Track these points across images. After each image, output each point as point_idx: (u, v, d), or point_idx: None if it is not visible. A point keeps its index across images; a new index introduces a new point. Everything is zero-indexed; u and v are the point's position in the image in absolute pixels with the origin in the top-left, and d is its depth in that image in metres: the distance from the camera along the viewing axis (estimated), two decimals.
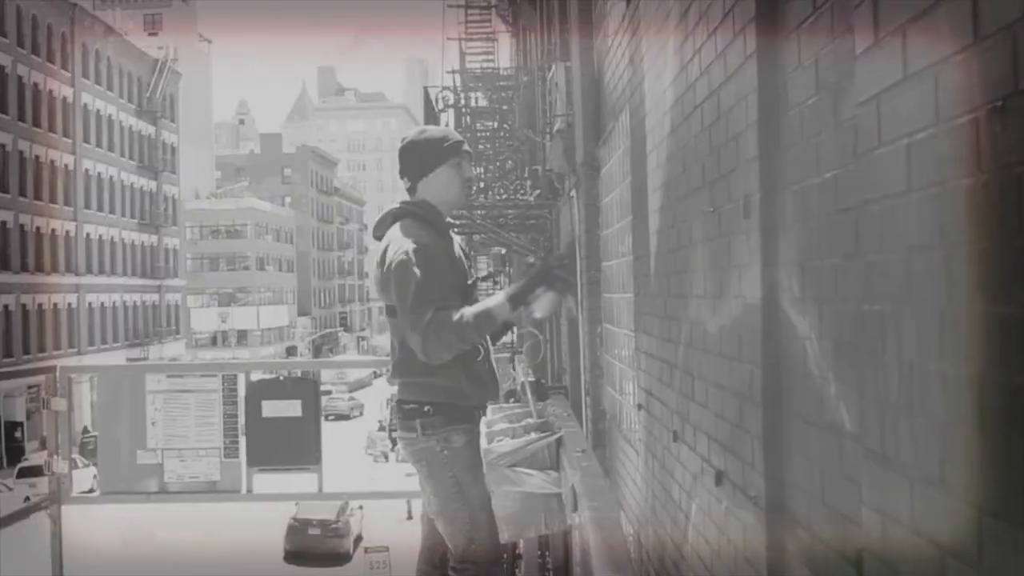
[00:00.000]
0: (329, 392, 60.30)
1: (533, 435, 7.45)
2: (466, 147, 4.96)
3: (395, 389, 4.94)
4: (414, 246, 4.57)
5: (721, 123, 3.62)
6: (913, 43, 1.96)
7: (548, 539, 9.34)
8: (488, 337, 4.83)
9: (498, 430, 7.86)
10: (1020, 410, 1.62)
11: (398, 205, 4.89)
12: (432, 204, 4.81)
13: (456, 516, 4.81)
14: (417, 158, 4.83)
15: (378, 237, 4.86)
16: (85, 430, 34.32)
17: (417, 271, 4.50)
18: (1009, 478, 1.64)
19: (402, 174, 4.89)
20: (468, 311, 4.52)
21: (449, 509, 4.82)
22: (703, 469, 4.01)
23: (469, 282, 4.89)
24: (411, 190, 4.87)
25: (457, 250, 4.91)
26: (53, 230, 54.18)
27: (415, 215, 4.77)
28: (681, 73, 4.35)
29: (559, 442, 7.19)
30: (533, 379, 9.71)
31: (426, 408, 4.74)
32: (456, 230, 19.69)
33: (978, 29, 1.72)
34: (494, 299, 4.67)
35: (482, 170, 23.51)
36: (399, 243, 4.63)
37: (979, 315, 1.74)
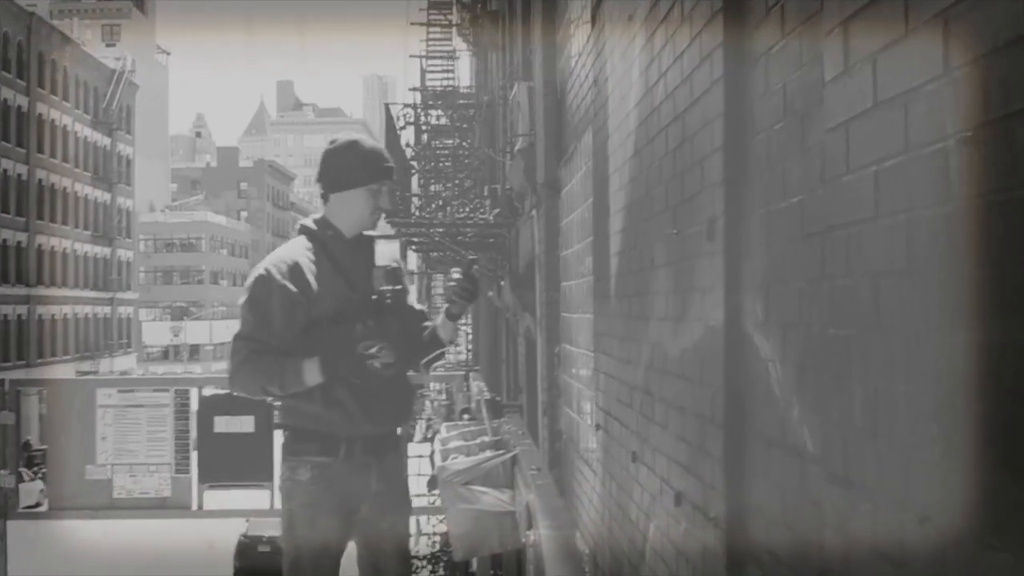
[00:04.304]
0: None
1: (488, 453, 7.45)
2: (391, 175, 4.68)
3: None
4: (259, 274, 4.44)
5: (686, 147, 3.64)
6: (883, 71, 1.98)
7: (502, 558, 9.31)
8: (404, 357, 4.48)
9: (453, 447, 7.84)
10: (985, 434, 1.63)
11: (308, 221, 4.68)
12: (332, 223, 4.56)
13: (285, 551, 4.52)
14: (338, 171, 4.57)
15: None
16: (27, 444, 33.84)
17: (247, 307, 4.42)
18: (973, 502, 1.66)
19: (318, 179, 4.65)
20: (287, 362, 4.30)
21: (283, 542, 4.55)
22: (662, 490, 4.02)
23: (373, 296, 4.50)
24: (324, 198, 4.65)
25: (359, 266, 4.55)
26: (4, 240, 53.53)
27: (311, 233, 4.58)
28: (646, 96, 4.38)
29: (514, 460, 7.18)
30: (489, 396, 9.70)
31: (286, 432, 4.54)
32: (414, 247, 19.67)
33: (948, 59, 1.74)
34: (312, 362, 4.30)
35: (441, 187, 23.52)
36: (258, 265, 4.52)
37: (945, 341, 1.76)
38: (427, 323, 4.75)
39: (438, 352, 4.83)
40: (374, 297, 4.51)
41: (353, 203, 4.55)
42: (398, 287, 4.58)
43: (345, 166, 4.56)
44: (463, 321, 32.33)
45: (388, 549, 4.60)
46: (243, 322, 4.44)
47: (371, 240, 4.66)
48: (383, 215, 4.76)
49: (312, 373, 4.31)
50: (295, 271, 4.42)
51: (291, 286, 4.38)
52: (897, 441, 1.92)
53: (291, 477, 4.44)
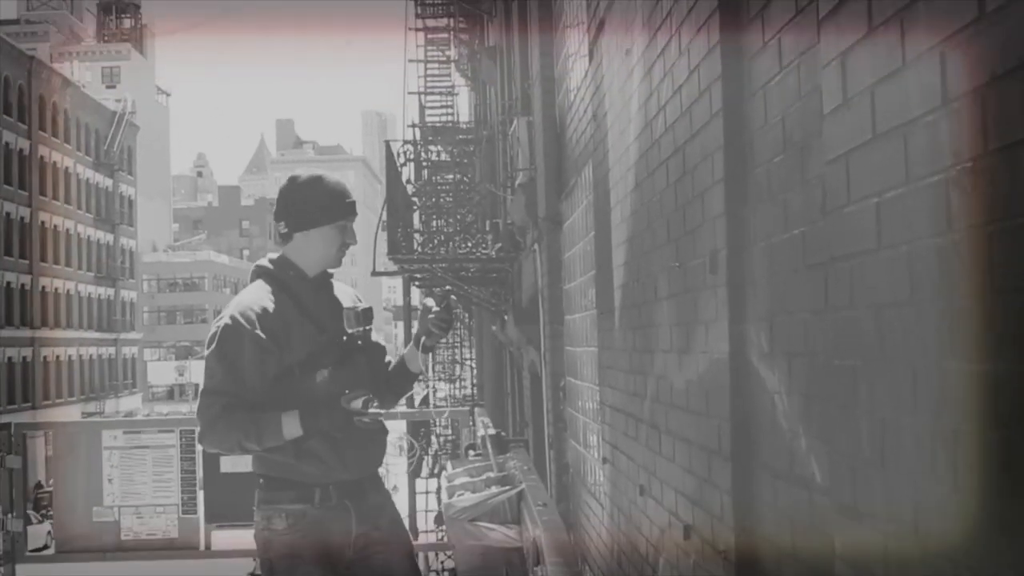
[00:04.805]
0: None
1: (494, 489, 7.42)
2: (355, 210, 4.50)
3: None
4: (225, 323, 4.21)
5: (687, 179, 3.66)
6: (882, 103, 1.99)
7: None
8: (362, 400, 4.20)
9: (459, 484, 7.82)
10: (993, 465, 1.63)
11: (264, 262, 4.47)
12: (294, 263, 4.37)
13: None
14: (304, 208, 4.37)
15: None
16: (39, 485, 33.78)
17: (215, 358, 4.18)
18: (984, 533, 1.66)
19: (279, 217, 4.41)
20: (264, 417, 4.13)
21: None
22: (671, 523, 4.01)
23: (343, 337, 4.33)
24: (286, 236, 4.39)
25: (323, 306, 4.38)
26: (8, 283, 53.63)
27: (269, 275, 4.37)
28: (645, 129, 4.39)
29: (520, 496, 7.16)
30: (494, 432, 9.68)
31: (261, 480, 4.33)
32: (417, 283, 19.67)
33: (947, 90, 1.75)
34: (291, 416, 4.14)
35: (443, 223, 23.55)
36: (221, 314, 4.30)
37: (951, 371, 1.76)
38: (388, 357, 4.57)
39: (410, 387, 4.71)
40: (344, 338, 4.34)
41: (320, 241, 4.35)
42: (368, 328, 4.40)
43: (312, 203, 4.37)
44: (468, 357, 32.24)
45: None
46: (210, 375, 4.20)
47: (329, 277, 4.47)
48: (345, 251, 4.61)
49: (292, 427, 4.13)
50: (264, 318, 4.20)
51: (261, 334, 4.16)
52: (905, 471, 1.92)
53: (268, 527, 4.26)
